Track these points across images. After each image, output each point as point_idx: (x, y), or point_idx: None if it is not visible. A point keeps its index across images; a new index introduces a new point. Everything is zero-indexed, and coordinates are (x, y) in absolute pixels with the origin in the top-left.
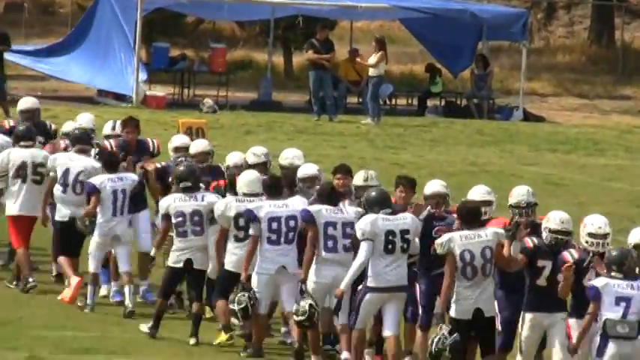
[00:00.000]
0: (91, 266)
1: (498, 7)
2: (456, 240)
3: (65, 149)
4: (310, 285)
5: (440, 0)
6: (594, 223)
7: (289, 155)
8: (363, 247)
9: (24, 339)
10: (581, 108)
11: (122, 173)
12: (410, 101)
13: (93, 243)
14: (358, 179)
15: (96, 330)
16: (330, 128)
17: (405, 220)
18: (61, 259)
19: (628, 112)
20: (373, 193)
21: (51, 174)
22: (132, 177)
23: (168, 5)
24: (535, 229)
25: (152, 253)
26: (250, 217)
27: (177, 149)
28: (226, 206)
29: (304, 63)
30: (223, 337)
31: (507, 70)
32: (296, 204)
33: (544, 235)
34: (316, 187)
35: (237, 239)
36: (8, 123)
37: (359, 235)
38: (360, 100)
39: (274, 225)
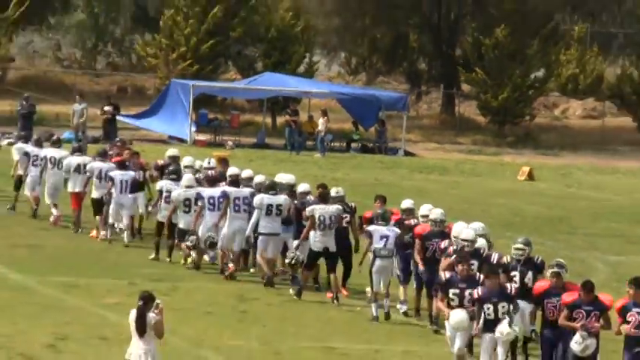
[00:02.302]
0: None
1: (390, 92)
2: (317, 209)
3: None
4: (224, 230)
5: (358, 88)
6: None
7: (286, 178)
8: (255, 212)
9: None
10: (437, 149)
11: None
12: (342, 144)
13: (110, 210)
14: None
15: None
16: (297, 159)
17: (278, 199)
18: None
19: (463, 151)
20: (266, 182)
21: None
22: (130, 174)
23: (207, 91)
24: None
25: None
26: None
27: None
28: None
29: (283, 122)
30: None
31: (395, 128)
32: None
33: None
34: (308, 198)
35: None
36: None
37: (255, 205)
38: (314, 143)
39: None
